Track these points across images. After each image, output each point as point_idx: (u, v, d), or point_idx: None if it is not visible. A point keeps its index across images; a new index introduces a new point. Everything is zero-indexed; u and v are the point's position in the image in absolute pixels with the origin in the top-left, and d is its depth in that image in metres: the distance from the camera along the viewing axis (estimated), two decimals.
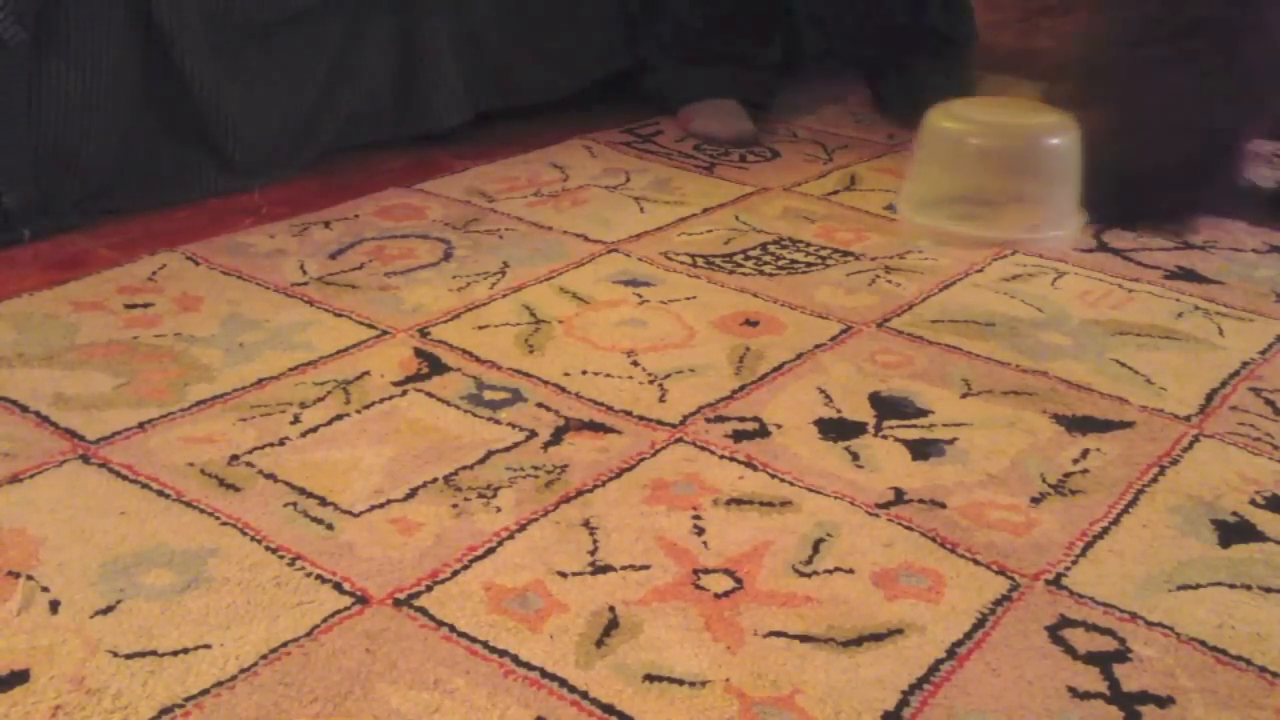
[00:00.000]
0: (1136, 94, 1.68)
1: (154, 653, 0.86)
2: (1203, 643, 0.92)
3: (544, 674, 0.86)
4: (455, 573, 0.96)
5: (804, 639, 0.91)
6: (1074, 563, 1.00)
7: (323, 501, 1.03)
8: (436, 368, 1.25)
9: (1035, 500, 1.08)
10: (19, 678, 0.83)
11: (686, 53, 2.05)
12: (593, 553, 0.99)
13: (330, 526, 1.00)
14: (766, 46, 2.09)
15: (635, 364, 1.28)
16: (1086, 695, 0.87)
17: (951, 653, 0.90)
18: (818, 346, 1.33)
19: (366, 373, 1.24)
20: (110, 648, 0.87)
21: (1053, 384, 1.28)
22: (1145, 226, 1.68)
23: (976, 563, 1.00)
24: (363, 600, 0.92)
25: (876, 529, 1.03)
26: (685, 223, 1.66)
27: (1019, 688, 0.87)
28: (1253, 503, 1.10)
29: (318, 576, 0.95)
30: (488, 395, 1.21)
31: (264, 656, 0.86)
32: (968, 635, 0.92)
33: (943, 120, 1.67)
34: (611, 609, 0.93)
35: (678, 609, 0.93)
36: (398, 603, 0.92)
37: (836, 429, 1.18)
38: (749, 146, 1.96)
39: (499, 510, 1.03)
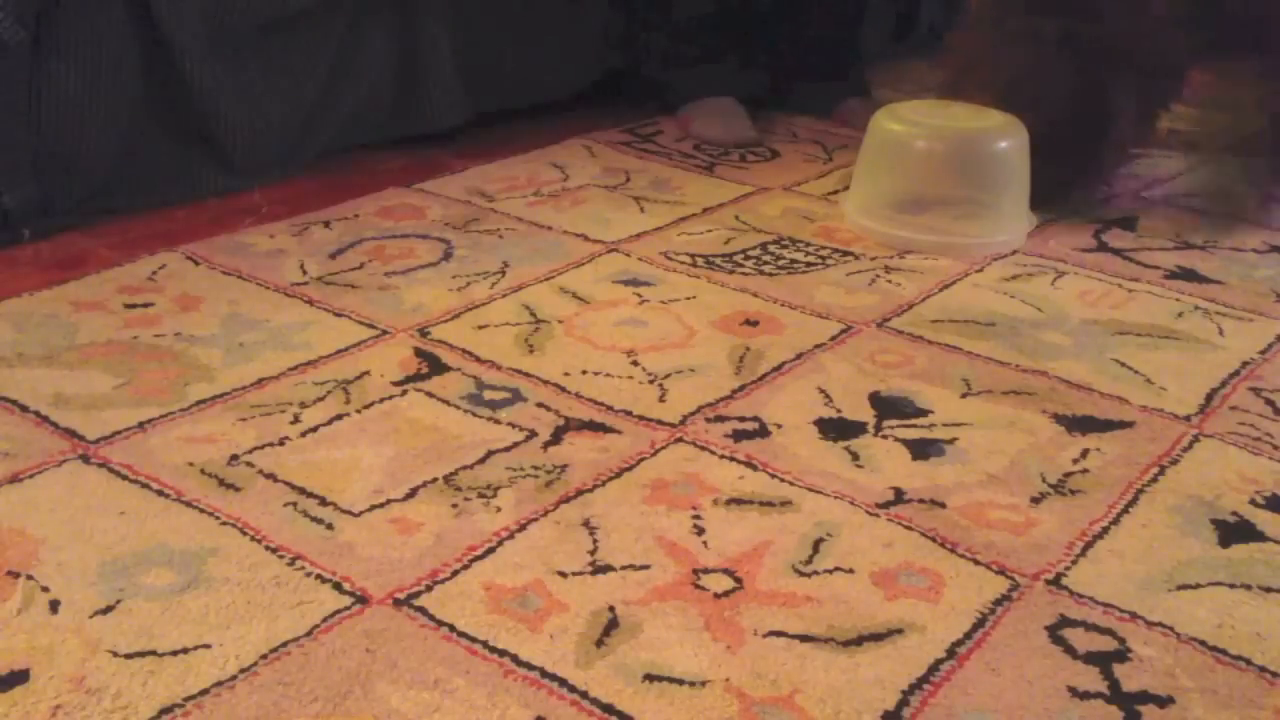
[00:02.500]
0: (991, 71, 1.66)
1: (154, 653, 0.86)
2: (1203, 643, 0.92)
3: (544, 674, 0.86)
4: (455, 573, 0.96)
5: (804, 639, 0.91)
6: (1074, 563, 1.00)
7: (323, 501, 1.03)
8: (436, 367, 1.25)
9: (1035, 500, 1.08)
10: (19, 678, 0.83)
11: (687, 49, 2.05)
12: (593, 553, 0.99)
13: (330, 526, 1.00)
14: (769, 44, 2.09)
15: (635, 364, 1.28)
16: (1086, 695, 0.87)
17: (951, 652, 0.90)
18: (818, 346, 1.33)
19: (366, 373, 1.24)
20: (110, 648, 0.87)
21: (1053, 384, 1.28)
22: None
23: (976, 563, 1.00)
24: (363, 600, 0.92)
25: (876, 529, 1.03)
26: (685, 223, 1.66)
27: (1019, 687, 0.87)
28: (1253, 503, 1.10)
29: (318, 576, 0.95)
30: (488, 395, 1.21)
31: (264, 656, 0.86)
32: (968, 635, 0.92)
33: (889, 122, 1.64)
34: (611, 609, 0.93)
35: (678, 609, 0.93)
36: (398, 602, 0.92)
37: (836, 429, 1.18)
38: (750, 148, 1.96)
39: (499, 510, 1.03)
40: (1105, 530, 1.05)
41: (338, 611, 0.91)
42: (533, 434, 1.14)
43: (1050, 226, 1.68)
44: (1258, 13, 1.57)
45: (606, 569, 0.97)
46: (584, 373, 1.26)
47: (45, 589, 0.92)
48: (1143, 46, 1.60)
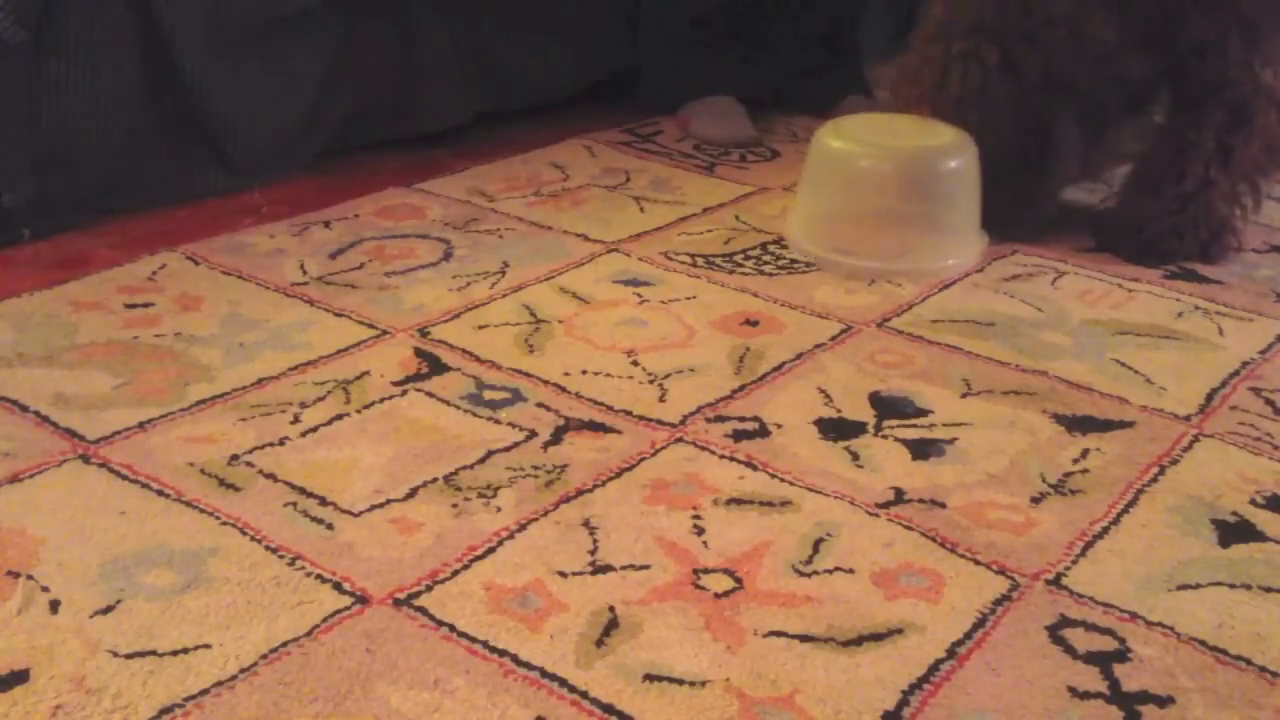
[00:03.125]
0: (939, 91, 1.64)
1: (154, 653, 0.86)
2: (1203, 643, 0.92)
3: (544, 674, 0.86)
4: (455, 573, 0.96)
5: (804, 639, 0.91)
6: (1074, 563, 1.00)
7: (323, 501, 1.03)
8: (436, 367, 1.25)
9: (1035, 500, 1.08)
10: (19, 678, 0.84)
11: (687, 48, 2.05)
12: (593, 552, 0.99)
13: (330, 526, 1.00)
14: (773, 45, 2.09)
15: (635, 364, 1.28)
16: (1086, 695, 0.87)
17: (951, 652, 0.90)
18: (818, 346, 1.33)
19: (366, 372, 1.24)
20: (110, 648, 0.87)
21: (1053, 384, 1.28)
22: None
23: (976, 563, 1.00)
24: (363, 600, 0.92)
25: (876, 529, 1.03)
26: (685, 222, 1.66)
27: (1019, 687, 0.87)
28: (1253, 503, 1.10)
29: (318, 576, 0.95)
30: (488, 395, 1.21)
31: (264, 656, 0.86)
32: (968, 635, 0.92)
33: (832, 140, 1.55)
34: (611, 609, 0.93)
35: (678, 609, 0.93)
36: (398, 603, 0.92)
37: (836, 429, 1.18)
38: (750, 148, 1.96)
39: (499, 510, 1.03)
40: (1105, 530, 1.05)
41: (338, 611, 0.91)
42: (533, 434, 1.14)
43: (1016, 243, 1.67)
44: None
45: (606, 569, 0.97)
46: (584, 373, 1.26)
47: (45, 589, 0.92)
48: (1087, 76, 1.58)
